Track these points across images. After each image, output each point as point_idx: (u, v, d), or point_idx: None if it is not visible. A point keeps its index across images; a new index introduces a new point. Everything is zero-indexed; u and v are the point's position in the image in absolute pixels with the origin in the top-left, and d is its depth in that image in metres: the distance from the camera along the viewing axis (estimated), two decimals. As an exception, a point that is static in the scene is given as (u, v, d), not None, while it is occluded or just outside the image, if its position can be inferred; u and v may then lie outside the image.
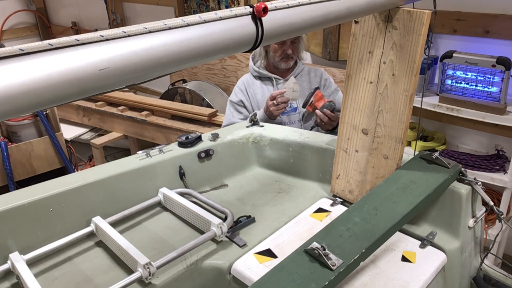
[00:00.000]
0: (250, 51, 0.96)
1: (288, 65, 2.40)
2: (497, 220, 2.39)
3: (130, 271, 1.39)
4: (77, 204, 1.59)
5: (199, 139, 1.94)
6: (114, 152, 4.16)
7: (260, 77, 2.44)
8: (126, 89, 4.07)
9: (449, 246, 1.46)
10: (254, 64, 2.47)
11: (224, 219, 1.58)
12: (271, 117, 2.25)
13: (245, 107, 2.45)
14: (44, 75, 0.63)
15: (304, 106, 2.16)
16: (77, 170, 3.37)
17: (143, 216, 1.72)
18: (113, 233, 1.49)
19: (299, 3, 0.99)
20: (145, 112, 3.59)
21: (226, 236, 1.56)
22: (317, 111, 2.12)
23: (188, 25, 0.80)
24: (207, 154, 1.91)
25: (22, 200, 1.48)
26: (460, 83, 2.52)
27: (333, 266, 1.06)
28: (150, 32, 0.75)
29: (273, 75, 2.43)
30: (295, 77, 2.41)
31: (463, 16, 2.58)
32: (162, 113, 3.55)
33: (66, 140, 3.53)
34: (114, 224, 1.59)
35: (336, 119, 2.08)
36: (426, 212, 1.54)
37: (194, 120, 3.39)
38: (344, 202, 1.74)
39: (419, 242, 1.48)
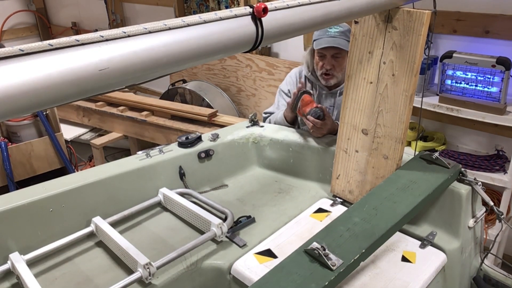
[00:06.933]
0: (250, 51, 0.96)
1: (328, 83, 2.11)
2: (497, 220, 2.39)
3: (130, 271, 1.39)
4: (77, 204, 1.59)
5: (199, 139, 1.94)
6: (114, 152, 4.16)
7: (311, 81, 2.24)
8: (126, 89, 4.06)
9: (449, 246, 1.46)
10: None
11: (224, 219, 1.58)
12: (287, 118, 2.08)
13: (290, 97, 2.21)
14: (44, 75, 0.63)
15: (294, 111, 1.94)
16: (77, 170, 3.37)
17: (143, 216, 1.72)
18: (113, 233, 1.49)
19: (299, 3, 0.99)
20: (145, 112, 3.58)
21: (226, 236, 1.56)
22: (304, 118, 1.91)
23: (188, 25, 0.80)
24: (207, 154, 1.92)
25: (22, 200, 1.48)
26: (460, 83, 2.52)
27: (333, 266, 1.07)
28: (150, 32, 0.75)
29: (318, 82, 2.18)
30: (340, 93, 2.13)
31: (463, 16, 2.58)
32: (162, 113, 3.55)
33: (66, 140, 3.52)
34: (114, 224, 1.59)
35: (324, 127, 1.86)
36: (426, 212, 1.54)
37: (194, 120, 3.39)
38: (344, 202, 1.74)
39: (419, 242, 1.48)
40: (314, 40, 2.05)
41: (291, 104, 1.93)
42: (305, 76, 2.25)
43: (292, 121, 2.12)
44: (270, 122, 2.21)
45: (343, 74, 2.10)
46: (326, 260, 1.07)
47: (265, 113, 2.32)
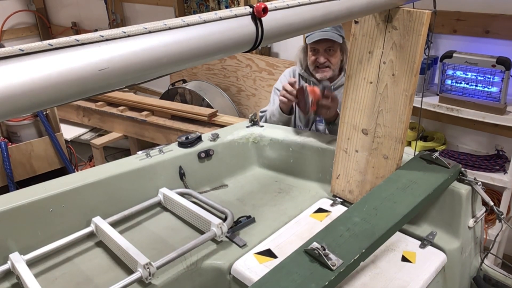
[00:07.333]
0: (250, 51, 0.96)
1: (323, 76, 2.14)
2: (497, 220, 2.39)
3: (130, 271, 1.39)
4: (77, 204, 1.59)
5: (199, 139, 1.94)
6: (114, 152, 4.15)
7: (305, 78, 2.26)
8: (126, 89, 4.06)
9: (449, 246, 1.46)
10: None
11: (224, 219, 1.58)
12: (283, 109, 2.08)
13: None
14: (44, 75, 0.63)
15: (308, 112, 1.94)
16: (77, 170, 3.37)
17: (143, 216, 1.72)
18: (113, 233, 1.49)
19: (299, 3, 0.99)
20: (145, 112, 3.58)
21: (226, 236, 1.56)
22: (322, 102, 1.89)
23: (188, 25, 0.80)
24: (207, 154, 1.91)
25: (22, 200, 1.48)
26: (460, 83, 2.52)
27: (333, 266, 1.07)
28: (150, 32, 0.75)
29: (312, 78, 2.21)
30: (333, 88, 2.16)
31: (463, 16, 2.58)
32: (162, 113, 3.55)
33: (66, 140, 3.52)
34: (114, 224, 1.59)
35: (335, 101, 1.89)
36: (426, 212, 1.54)
37: (194, 120, 3.39)
38: (344, 202, 1.74)
39: (419, 242, 1.48)
40: (307, 37, 2.11)
41: (307, 107, 1.91)
42: (299, 74, 2.29)
43: (289, 111, 2.12)
44: (266, 119, 2.22)
45: (336, 69, 2.18)
46: (326, 260, 1.07)
47: (262, 112, 2.32)
